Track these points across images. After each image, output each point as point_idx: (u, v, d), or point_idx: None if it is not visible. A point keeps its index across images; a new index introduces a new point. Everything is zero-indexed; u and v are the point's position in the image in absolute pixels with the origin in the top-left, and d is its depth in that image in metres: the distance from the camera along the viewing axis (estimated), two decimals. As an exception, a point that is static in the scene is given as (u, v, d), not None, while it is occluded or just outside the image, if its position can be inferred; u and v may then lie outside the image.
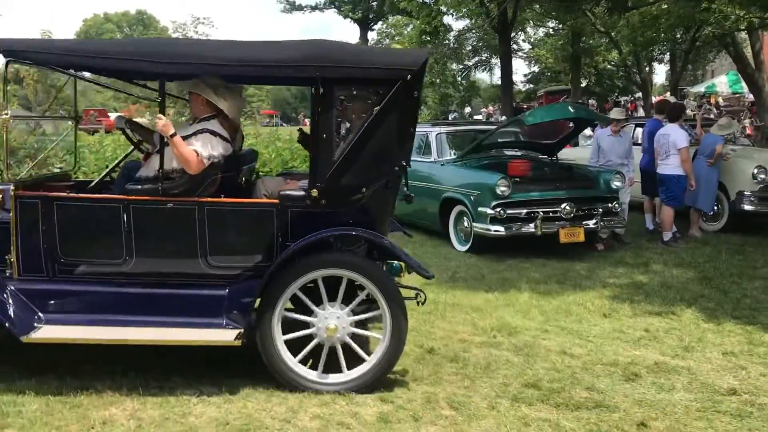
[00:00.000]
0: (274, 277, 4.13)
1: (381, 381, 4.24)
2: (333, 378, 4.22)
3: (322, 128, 4.20)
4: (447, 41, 32.44)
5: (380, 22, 53.68)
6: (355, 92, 4.20)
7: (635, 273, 7.44)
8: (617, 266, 7.72)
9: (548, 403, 4.10)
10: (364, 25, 48.03)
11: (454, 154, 9.30)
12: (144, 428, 3.75)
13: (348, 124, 4.21)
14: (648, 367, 4.68)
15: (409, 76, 4.15)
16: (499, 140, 9.58)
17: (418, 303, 4.51)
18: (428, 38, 28.74)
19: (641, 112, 34.20)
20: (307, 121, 64.95)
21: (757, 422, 3.84)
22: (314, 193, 4.19)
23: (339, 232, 4.28)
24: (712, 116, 23.42)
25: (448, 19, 35.72)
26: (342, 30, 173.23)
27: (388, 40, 55.01)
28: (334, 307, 4.22)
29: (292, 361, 4.22)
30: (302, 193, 4.25)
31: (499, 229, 7.88)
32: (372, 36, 53.86)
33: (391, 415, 3.93)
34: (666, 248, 8.57)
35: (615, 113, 9.48)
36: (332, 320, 4.20)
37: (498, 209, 7.87)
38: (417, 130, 11.06)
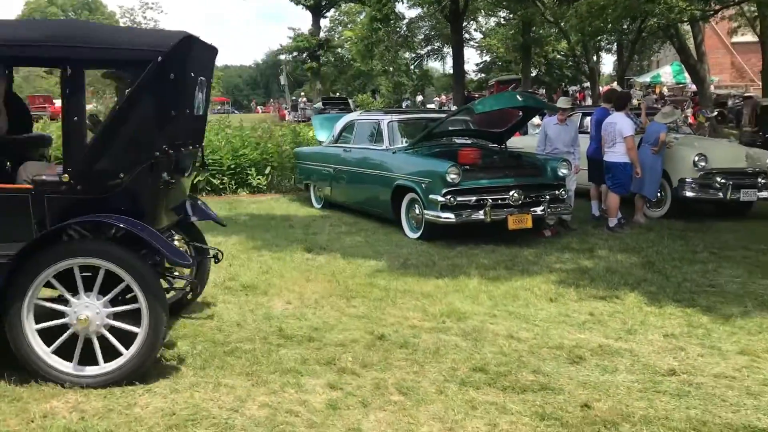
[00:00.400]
0: (22, 264, 3.97)
1: (138, 373, 4.10)
2: (89, 370, 4.08)
3: (72, 111, 4.07)
4: (399, 29, 32.39)
5: (333, 9, 53.32)
6: (106, 74, 4.07)
7: (581, 258, 7.60)
8: (564, 252, 7.87)
9: (495, 386, 4.16)
10: (317, 12, 47.63)
11: (406, 142, 9.33)
12: (87, 420, 3.67)
13: (101, 107, 4.11)
14: (592, 349, 4.79)
15: (160, 58, 4.00)
16: (450, 128, 9.66)
17: (215, 261, 4.64)
18: (379, 26, 28.68)
19: (590, 101, 34.83)
20: (260, 108, 64.11)
21: (694, 401, 3.97)
22: (66, 177, 4.05)
23: (89, 219, 4.12)
24: (656, 105, 23.90)
25: (400, 8, 35.73)
26: (296, 16, 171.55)
27: (341, 28, 54.76)
28: (90, 298, 4.07)
29: (45, 352, 4.07)
30: (57, 178, 4.08)
31: (449, 216, 7.95)
32: (325, 23, 53.51)
33: (340, 401, 3.93)
34: (611, 234, 8.78)
35: (561, 102, 9.66)
36: (85, 311, 4.05)
37: (448, 196, 7.93)
38: (368, 117, 11.08)
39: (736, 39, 39.41)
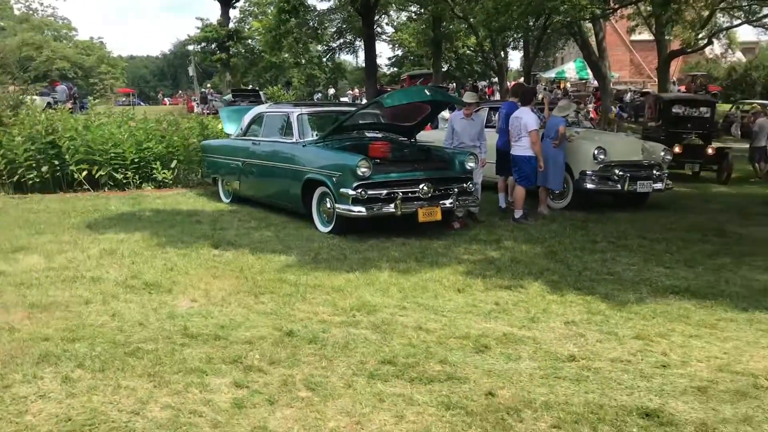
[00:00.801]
0: None
1: None
2: None
3: None
4: (309, 21, 32.15)
5: (242, 0, 52.29)
6: None
7: (488, 249, 7.78)
8: (472, 243, 8.04)
9: (403, 378, 4.20)
10: (226, 2, 46.49)
11: (316, 135, 9.25)
12: (-28, 431, 3.45)
13: None
14: (497, 338, 4.90)
15: None
16: (361, 122, 9.65)
17: None
18: (287, 17, 28.37)
19: (498, 96, 35.70)
20: (167, 100, 62.03)
21: (592, 385, 4.13)
22: None
23: None
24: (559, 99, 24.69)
25: (311, 0, 35.30)
26: (204, 6, 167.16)
27: (251, 18, 53.75)
28: None
29: None
30: None
31: (360, 210, 7.95)
32: (234, 14, 52.37)
33: (246, 400, 3.86)
34: (517, 225, 9.04)
35: (467, 97, 9.82)
36: None
37: (359, 190, 7.93)
38: (277, 110, 10.92)
39: (634, 37, 41.32)
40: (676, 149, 14.37)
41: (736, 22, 32.37)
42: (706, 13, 28.66)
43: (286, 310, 5.51)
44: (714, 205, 11.40)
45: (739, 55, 45.35)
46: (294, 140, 9.27)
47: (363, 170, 7.92)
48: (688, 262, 7.27)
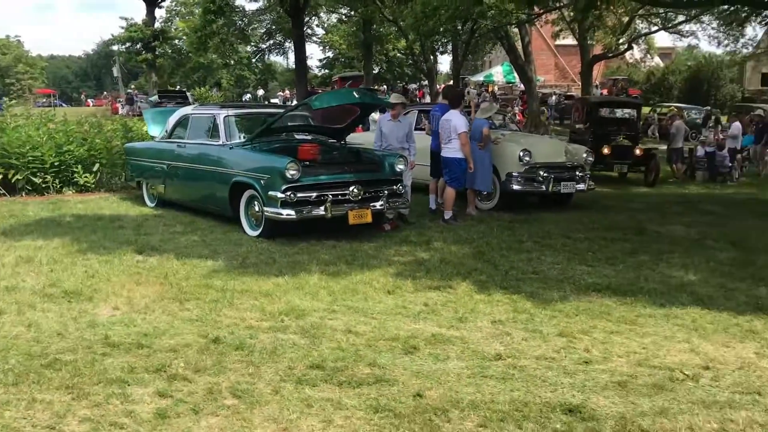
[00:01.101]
0: None
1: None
2: None
3: None
4: (236, 21, 31.73)
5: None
6: None
7: (418, 251, 7.83)
8: (402, 245, 8.08)
9: (331, 382, 4.17)
10: (152, 2, 45.33)
11: (243, 137, 9.11)
12: None
13: None
14: (426, 339, 4.94)
15: None
16: (290, 124, 9.57)
17: None
18: (213, 18, 27.92)
19: (428, 99, 36.06)
20: (90, 101, 60.03)
21: (517, 383, 4.20)
22: None
23: None
24: (486, 101, 25.14)
25: (240, 0, 34.89)
26: (129, 5, 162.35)
27: (177, 18, 52.63)
28: None
29: None
30: None
31: (290, 213, 7.87)
32: (160, 13, 51.15)
33: (169, 409, 3.76)
34: (446, 226, 9.14)
35: (393, 98, 9.85)
36: None
37: (288, 193, 7.85)
38: (203, 112, 10.72)
39: (559, 42, 42.52)
40: (605, 150, 14.74)
41: (653, 29, 33.83)
42: (626, 20, 29.80)
43: (212, 316, 5.39)
44: (634, 205, 11.82)
45: (657, 60, 47.32)
46: (221, 142, 9.09)
47: (292, 173, 7.85)
48: (610, 260, 7.51)
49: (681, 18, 29.97)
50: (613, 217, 10.25)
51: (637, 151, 15.29)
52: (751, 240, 8.74)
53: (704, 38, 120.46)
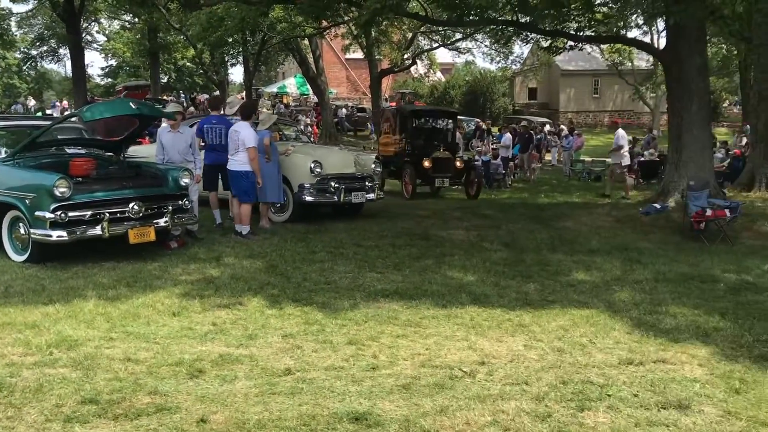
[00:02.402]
0: None
1: None
2: None
3: None
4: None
5: None
6: None
7: (207, 268, 7.54)
8: (190, 263, 7.73)
9: (106, 416, 3.83)
10: None
11: (6, 152, 8.20)
12: None
13: None
14: (213, 360, 4.73)
15: None
16: (60, 137, 8.79)
17: None
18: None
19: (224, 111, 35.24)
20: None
21: (306, 396, 4.16)
22: None
23: None
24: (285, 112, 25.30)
25: (4, 2, 31.81)
26: None
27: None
28: None
29: None
30: None
31: (61, 234, 7.20)
32: None
33: None
34: (238, 241, 8.89)
35: (170, 107, 9.37)
36: None
37: (58, 212, 7.18)
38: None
39: (349, 55, 43.82)
40: (426, 164, 14.48)
41: (434, 45, 36.11)
42: (410, 36, 31.49)
43: (-35, 356, 4.74)
44: (421, 212, 12.41)
45: (439, 75, 50.51)
46: (-23, 159, 8.10)
47: (62, 190, 7.20)
48: (398, 265, 7.80)
49: (458, 35, 32.26)
50: (401, 225, 10.67)
51: (458, 163, 15.01)
52: (521, 241, 9.57)
53: (479, 55, 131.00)
